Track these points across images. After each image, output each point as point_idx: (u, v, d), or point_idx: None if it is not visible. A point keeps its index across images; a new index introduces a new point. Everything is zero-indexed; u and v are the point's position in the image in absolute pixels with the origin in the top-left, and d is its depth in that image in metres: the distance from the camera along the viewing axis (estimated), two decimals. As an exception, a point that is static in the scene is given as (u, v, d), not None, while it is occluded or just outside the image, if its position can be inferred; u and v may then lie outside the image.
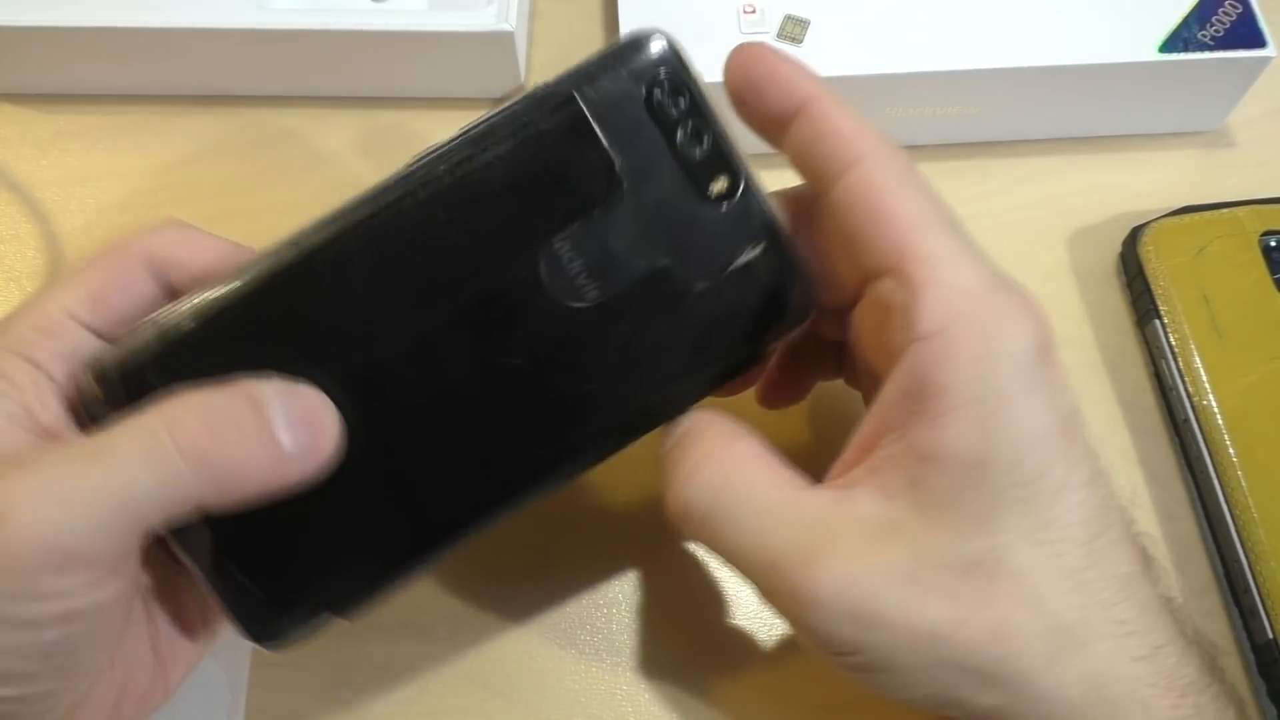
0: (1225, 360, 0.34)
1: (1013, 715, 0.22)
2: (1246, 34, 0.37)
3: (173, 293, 0.25)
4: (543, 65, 0.42)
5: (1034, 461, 0.21)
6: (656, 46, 0.24)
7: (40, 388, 0.23)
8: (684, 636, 0.32)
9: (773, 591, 0.23)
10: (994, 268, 0.23)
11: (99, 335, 0.24)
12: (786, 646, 0.32)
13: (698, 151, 0.24)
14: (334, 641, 0.27)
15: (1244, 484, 0.32)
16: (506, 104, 0.24)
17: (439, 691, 0.31)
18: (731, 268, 0.24)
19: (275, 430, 0.22)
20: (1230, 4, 0.38)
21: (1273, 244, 0.36)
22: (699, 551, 0.33)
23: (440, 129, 0.24)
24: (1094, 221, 0.39)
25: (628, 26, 0.37)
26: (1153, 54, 0.37)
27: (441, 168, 0.24)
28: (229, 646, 0.30)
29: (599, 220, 0.24)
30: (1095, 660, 0.21)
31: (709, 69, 0.37)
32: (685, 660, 0.32)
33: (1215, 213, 0.36)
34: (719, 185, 0.24)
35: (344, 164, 0.40)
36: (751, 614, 0.32)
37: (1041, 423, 0.22)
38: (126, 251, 0.25)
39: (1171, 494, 0.35)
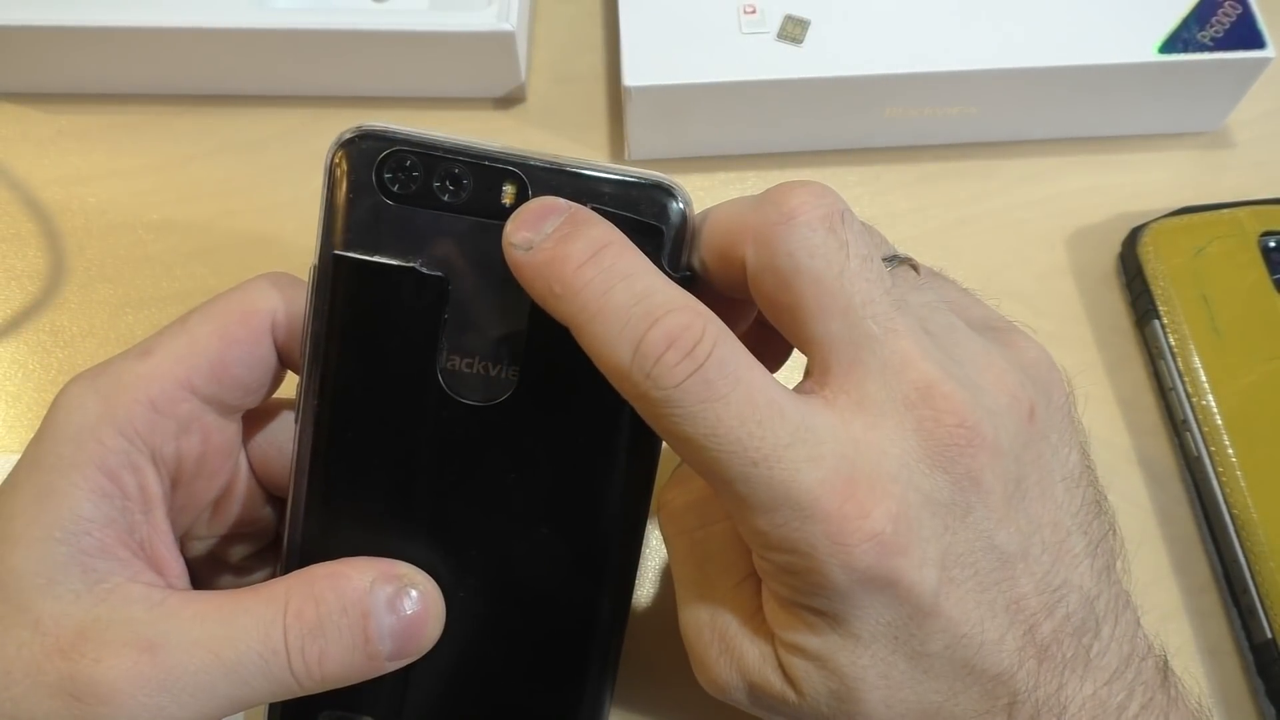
0: (1224, 360, 0.34)
1: None
2: (1246, 35, 0.37)
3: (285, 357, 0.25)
4: (543, 65, 0.42)
5: (877, 651, 0.22)
6: (350, 148, 0.23)
7: (147, 494, 0.23)
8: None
9: (688, 648, 0.25)
10: (852, 432, 0.21)
11: (213, 403, 0.24)
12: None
13: (467, 187, 0.23)
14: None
15: (1243, 484, 0.32)
16: (305, 307, 0.24)
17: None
18: None
19: (379, 644, 0.23)
20: (1230, 5, 0.38)
21: (1272, 244, 0.36)
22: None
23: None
24: (1093, 221, 0.39)
25: (629, 26, 0.37)
26: (1152, 54, 0.37)
27: (315, 403, 0.24)
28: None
29: (457, 319, 0.23)
30: None
31: (709, 69, 0.37)
32: (685, 660, 0.32)
33: (1215, 213, 0.36)
34: (509, 193, 0.23)
35: (344, 164, 0.40)
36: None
37: (878, 624, 0.22)
38: (251, 319, 0.24)
39: (1171, 494, 0.35)
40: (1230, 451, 0.33)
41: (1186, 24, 0.37)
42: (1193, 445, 0.34)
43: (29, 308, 0.37)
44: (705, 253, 0.24)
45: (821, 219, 0.22)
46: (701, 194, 0.40)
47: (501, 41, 0.38)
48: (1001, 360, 0.24)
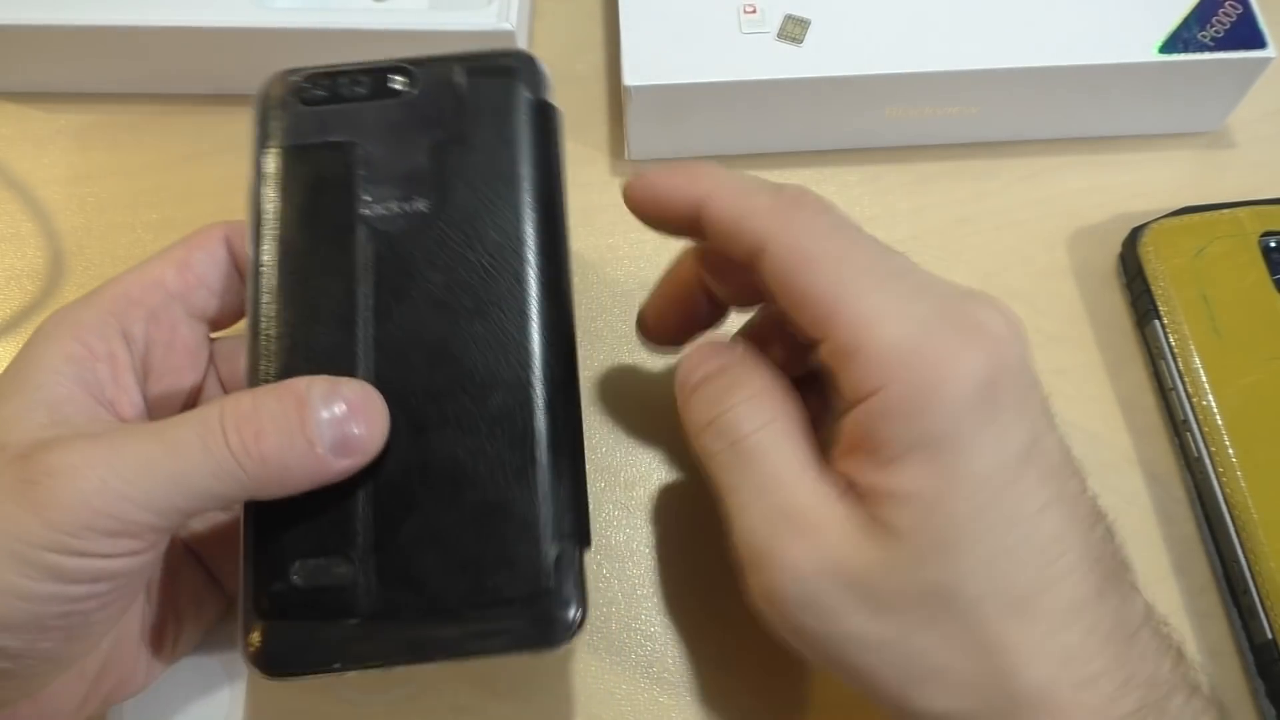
0: (1225, 360, 0.34)
1: None
2: (1246, 35, 0.37)
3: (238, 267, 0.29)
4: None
5: (984, 496, 0.22)
6: (272, 81, 0.28)
7: (115, 359, 0.26)
8: (682, 636, 0.32)
9: (749, 556, 0.24)
10: (935, 301, 0.23)
11: (179, 299, 0.28)
12: (785, 650, 0.32)
13: (365, 84, 0.28)
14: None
15: (1243, 484, 0.32)
16: (248, 201, 0.27)
17: (439, 690, 0.31)
18: (470, 110, 0.28)
19: (316, 430, 0.23)
20: (1230, 4, 0.38)
21: (1272, 244, 0.36)
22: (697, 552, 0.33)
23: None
24: (1094, 221, 0.39)
25: (629, 26, 0.37)
26: (1153, 54, 0.37)
27: (259, 259, 0.27)
28: (230, 644, 0.30)
29: (370, 172, 0.27)
30: (1030, 686, 0.22)
31: (709, 69, 0.37)
32: (684, 660, 0.32)
33: (1215, 213, 0.36)
34: (398, 80, 0.28)
35: (344, 163, 0.40)
36: (751, 615, 0.32)
37: (988, 459, 0.22)
38: (208, 232, 0.29)
39: (1171, 494, 0.35)
40: (1230, 451, 0.33)
41: (1187, 24, 0.37)
42: (1193, 445, 0.34)
43: (29, 308, 0.37)
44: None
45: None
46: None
47: (501, 41, 0.38)
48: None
